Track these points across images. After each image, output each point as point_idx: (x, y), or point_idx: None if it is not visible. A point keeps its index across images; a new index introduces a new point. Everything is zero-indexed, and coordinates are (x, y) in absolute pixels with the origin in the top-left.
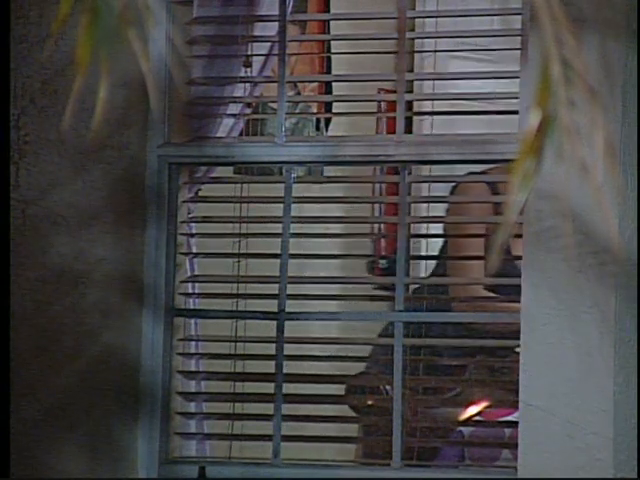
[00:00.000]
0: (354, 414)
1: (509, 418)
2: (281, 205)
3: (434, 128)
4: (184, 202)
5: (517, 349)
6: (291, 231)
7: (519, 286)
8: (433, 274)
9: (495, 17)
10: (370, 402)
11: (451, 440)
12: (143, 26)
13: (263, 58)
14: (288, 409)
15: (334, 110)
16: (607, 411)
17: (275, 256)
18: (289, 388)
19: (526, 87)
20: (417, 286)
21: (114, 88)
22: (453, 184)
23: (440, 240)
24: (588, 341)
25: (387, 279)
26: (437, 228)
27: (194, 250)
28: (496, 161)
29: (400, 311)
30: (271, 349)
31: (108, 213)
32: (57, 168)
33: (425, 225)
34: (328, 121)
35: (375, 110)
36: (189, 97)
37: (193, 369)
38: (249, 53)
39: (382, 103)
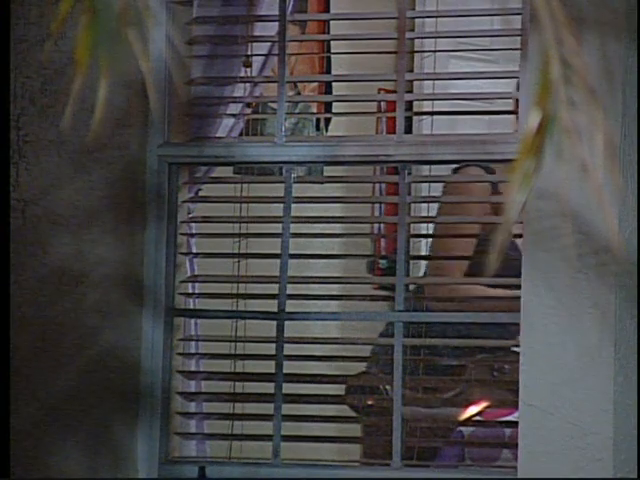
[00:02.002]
0: (354, 414)
1: (509, 418)
2: (281, 205)
3: (434, 128)
4: (184, 202)
5: (516, 349)
6: (291, 231)
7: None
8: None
9: (495, 17)
10: (370, 402)
11: (451, 440)
12: (143, 26)
13: (263, 58)
14: (288, 409)
15: (334, 110)
16: (607, 411)
17: (275, 256)
18: (289, 388)
19: (526, 87)
20: (414, 286)
21: (114, 88)
22: (451, 174)
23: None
24: (588, 341)
25: (387, 279)
26: (438, 228)
27: (194, 250)
28: (496, 161)
29: (400, 311)
30: (271, 349)
31: (108, 213)
32: (57, 168)
33: (425, 225)
34: (328, 121)
35: (375, 110)
36: (189, 97)
37: (193, 369)
38: (249, 53)
39: (382, 103)
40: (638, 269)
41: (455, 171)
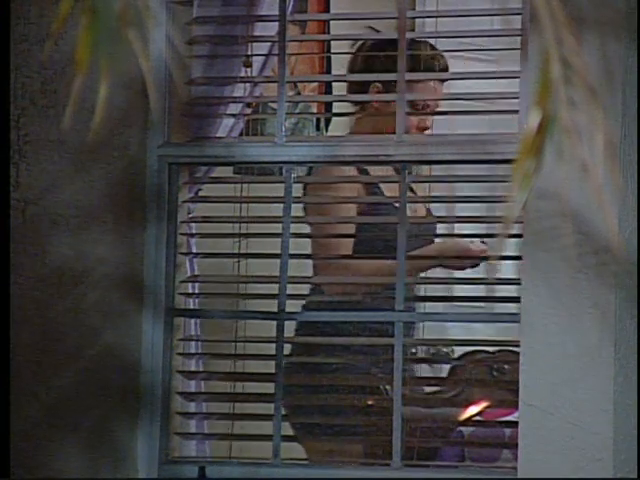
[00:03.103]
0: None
1: (509, 418)
2: (281, 205)
3: (434, 128)
4: (184, 202)
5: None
6: (291, 231)
7: None
8: None
9: (495, 17)
10: (370, 402)
11: (451, 440)
12: (143, 26)
13: (263, 58)
14: None
15: (334, 110)
16: (607, 411)
17: (275, 256)
18: None
19: (526, 87)
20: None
21: (114, 88)
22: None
23: None
24: (588, 341)
25: (387, 279)
26: (438, 228)
27: (194, 250)
28: (496, 161)
29: (400, 311)
30: (271, 349)
31: (108, 213)
32: (57, 168)
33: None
34: (328, 121)
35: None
36: (189, 97)
37: (193, 369)
38: (249, 53)
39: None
40: (638, 269)
41: (309, 171)
